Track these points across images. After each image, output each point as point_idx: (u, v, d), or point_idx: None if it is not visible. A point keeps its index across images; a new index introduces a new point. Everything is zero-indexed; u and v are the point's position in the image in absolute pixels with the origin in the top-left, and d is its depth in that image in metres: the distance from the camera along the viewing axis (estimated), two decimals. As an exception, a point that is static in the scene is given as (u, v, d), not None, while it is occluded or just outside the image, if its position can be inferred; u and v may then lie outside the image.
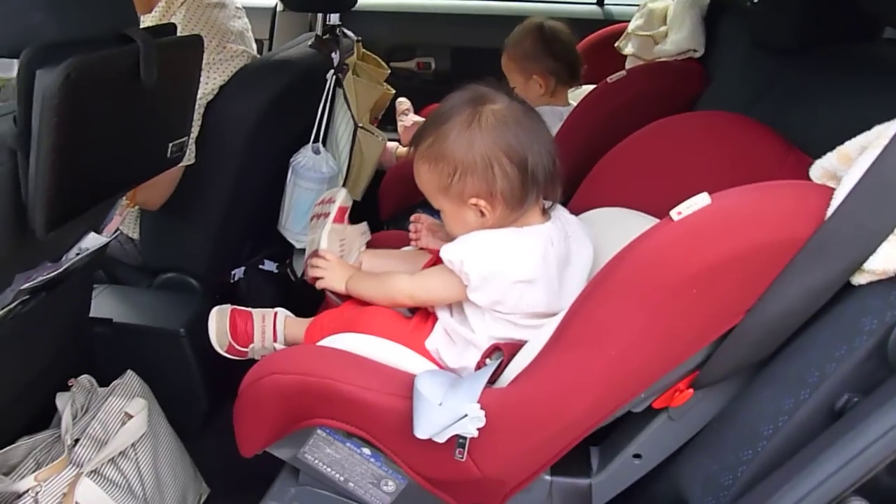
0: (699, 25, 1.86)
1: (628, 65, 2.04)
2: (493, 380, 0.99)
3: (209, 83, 1.55)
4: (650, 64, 1.85)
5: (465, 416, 0.90)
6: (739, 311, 0.85)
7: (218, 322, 1.30)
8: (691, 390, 0.93)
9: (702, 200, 0.84)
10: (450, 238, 1.10)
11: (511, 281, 1.03)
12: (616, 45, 2.10)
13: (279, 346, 1.29)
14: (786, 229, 0.82)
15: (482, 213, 1.07)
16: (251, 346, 1.29)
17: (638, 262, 0.86)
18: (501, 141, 1.04)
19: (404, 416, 0.92)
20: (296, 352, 1.05)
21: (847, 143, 0.86)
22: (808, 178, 0.94)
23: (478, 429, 0.88)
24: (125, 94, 1.03)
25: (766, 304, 0.84)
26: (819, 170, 0.88)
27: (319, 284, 1.24)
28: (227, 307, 1.32)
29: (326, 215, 1.37)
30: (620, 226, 1.18)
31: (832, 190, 0.83)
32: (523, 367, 0.95)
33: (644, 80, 1.69)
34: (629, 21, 2.14)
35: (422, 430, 0.89)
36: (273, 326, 1.29)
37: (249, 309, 1.32)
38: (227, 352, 1.31)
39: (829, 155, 0.88)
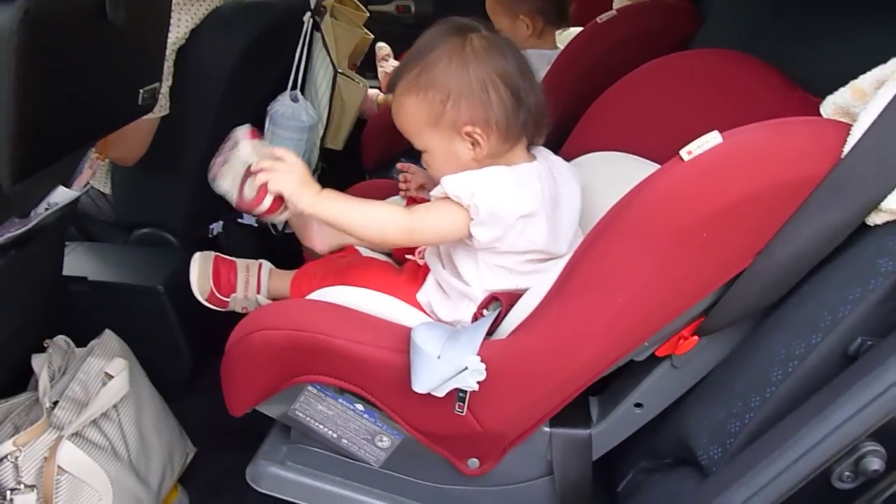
0: (689, -38, 1.79)
1: (616, 4, 1.97)
2: (491, 331, 0.95)
3: (180, 26, 1.47)
4: (640, 3, 1.78)
5: (465, 368, 0.87)
6: (751, 254, 0.82)
7: (201, 268, 1.25)
8: (696, 337, 0.90)
9: (713, 139, 0.79)
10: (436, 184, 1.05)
11: (516, 215, 0.99)
12: (603, -17, 2.03)
13: (262, 298, 1.24)
14: (801, 167, 0.79)
15: (475, 144, 1.02)
16: (233, 295, 1.24)
17: (647, 205, 0.82)
18: (496, 64, 1.01)
19: (400, 371, 0.89)
20: (285, 306, 1.01)
21: (861, 78, 0.82)
22: (812, 115, 0.91)
23: (478, 382, 0.85)
24: (90, 33, 0.96)
25: (778, 245, 0.81)
26: (831, 106, 0.84)
27: (271, 187, 1.01)
28: (211, 254, 1.26)
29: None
30: (616, 170, 1.15)
31: (849, 126, 0.79)
32: (524, 317, 0.92)
33: (635, 20, 1.63)
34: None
35: (420, 385, 0.86)
36: (258, 277, 1.24)
37: (234, 258, 1.26)
38: (207, 300, 1.26)
39: (841, 90, 0.84)
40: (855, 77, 0.85)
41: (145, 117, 1.48)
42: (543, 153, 1.11)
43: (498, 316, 0.95)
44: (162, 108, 1.51)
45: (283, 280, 1.22)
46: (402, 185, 1.31)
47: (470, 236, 0.99)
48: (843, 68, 0.89)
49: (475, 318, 0.99)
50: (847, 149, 0.78)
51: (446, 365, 0.87)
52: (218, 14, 1.51)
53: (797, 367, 0.81)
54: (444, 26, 1.05)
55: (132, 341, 1.42)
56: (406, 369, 0.88)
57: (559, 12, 1.89)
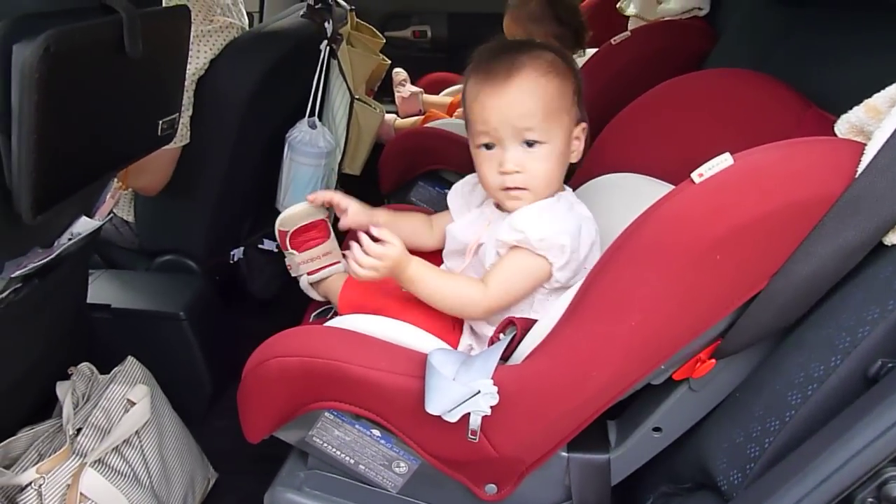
0: (703, -18, 1.79)
1: (631, 25, 1.98)
2: (507, 356, 0.95)
3: (199, 57, 1.50)
4: (655, 23, 1.79)
5: (479, 392, 0.87)
6: (766, 275, 0.81)
7: (301, 213, 1.20)
8: (713, 360, 0.89)
9: (724, 161, 0.79)
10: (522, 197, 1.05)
11: (588, 244, 1.01)
12: (618, 6, 2.04)
13: (305, 281, 1.22)
14: (815, 187, 0.78)
15: (578, 145, 1.08)
16: (295, 252, 1.20)
17: (659, 227, 0.81)
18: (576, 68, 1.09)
19: (416, 397, 0.89)
20: (300, 333, 1.01)
21: (875, 96, 0.82)
22: (827, 134, 0.90)
23: (492, 407, 0.85)
24: (110, 67, 0.98)
25: (794, 266, 0.80)
26: (845, 125, 0.83)
27: (374, 275, 1.01)
28: (322, 213, 1.22)
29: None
30: (632, 191, 1.14)
31: (863, 145, 0.78)
32: (539, 342, 0.91)
33: (649, 40, 1.64)
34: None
35: (434, 406, 0.86)
36: (324, 266, 1.21)
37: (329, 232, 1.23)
38: (278, 235, 1.22)
39: (855, 109, 0.83)
40: (870, 94, 0.84)
41: (166, 147, 1.51)
42: None
43: (513, 341, 0.95)
44: (183, 137, 1.53)
45: (335, 285, 1.20)
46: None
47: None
48: (859, 85, 0.89)
49: (491, 342, 0.99)
50: (861, 168, 0.77)
51: (460, 388, 0.87)
52: (236, 44, 1.54)
53: (816, 389, 0.79)
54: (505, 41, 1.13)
55: (154, 367, 1.44)
56: (420, 395, 0.87)
57: (576, 39, 1.90)
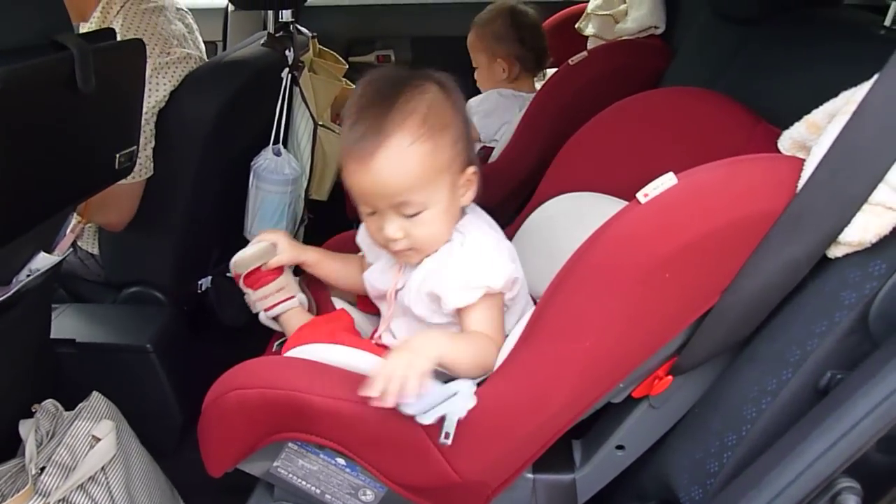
0: (659, 2, 1.83)
1: (590, 45, 2.01)
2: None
3: (159, 90, 1.50)
4: (611, 43, 1.82)
5: (456, 394, 0.85)
6: (716, 292, 0.82)
7: (256, 254, 1.19)
8: (671, 377, 0.90)
9: (668, 181, 0.80)
10: (418, 255, 1.02)
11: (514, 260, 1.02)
12: (576, 25, 2.07)
13: (264, 316, 1.21)
14: (757, 203, 0.79)
15: (468, 189, 1.03)
16: (250, 291, 1.20)
17: (607, 248, 0.82)
18: (461, 104, 1.02)
19: (375, 425, 0.88)
20: (259, 364, 1.00)
21: (815, 112, 0.83)
22: (775, 148, 0.92)
23: (452, 438, 0.84)
24: (62, 103, 0.98)
25: (742, 281, 0.81)
26: (788, 140, 0.85)
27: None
28: (272, 250, 1.19)
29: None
30: (589, 210, 1.15)
31: (802, 161, 0.80)
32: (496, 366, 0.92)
33: (605, 60, 1.66)
34: (587, 2, 2.11)
35: (410, 407, 0.83)
36: (279, 301, 1.19)
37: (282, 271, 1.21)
38: (233, 276, 1.21)
39: (797, 125, 0.85)
40: (814, 106, 0.86)
41: (130, 181, 1.51)
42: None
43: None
44: (146, 170, 1.53)
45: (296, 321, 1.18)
46: None
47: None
48: (804, 100, 0.91)
49: None
50: (801, 183, 0.79)
51: (437, 389, 0.85)
52: (196, 74, 1.54)
53: (770, 403, 0.80)
54: (398, 74, 1.00)
55: (122, 401, 1.41)
56: (381, 423, 0.87)
57: (537, 61, 1.94)
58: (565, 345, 0.84)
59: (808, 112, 0.86)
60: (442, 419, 0.84)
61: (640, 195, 0.80)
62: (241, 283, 1.20)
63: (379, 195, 0.96)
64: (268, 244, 1.19)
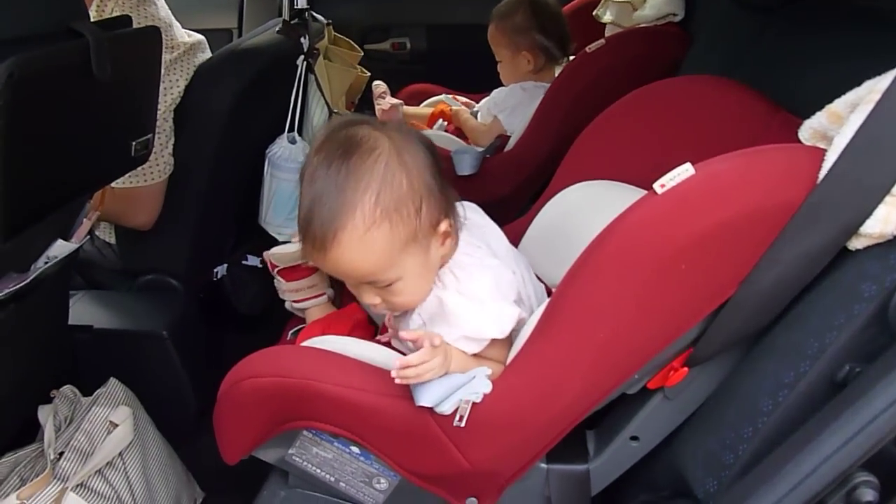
0: (678, -12, 1.80)
1: (607, 32, 1.99)
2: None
3: (173, 88, 1.50)
4: (629, 30, 1.80)
5: (474, 377, 0.85)
6: (733, 283, 0.81)
7: (293, 254, 1.18)
8: (686, 368, 0.89)
9: (685, 171, 0.79)
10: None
11: (514, 282, 1.00)
12: (594, 13, 2.05)
13: (291, 306, 1.22)
14: (776, 194, 0.78)
15: (445, 240, 0.97)
16: (282, 281, 1.20)
17: (622, 238, 0.81)
18: (422, 148, 0.95)
19: (388, 415, 0.89)
20: (274, 352, 1.01)
21: (836, 101, 0.82)
22: (795, 138, 0.91)
23: (466, 421, 0.85)
24: (78, 91, 0.98)
25: (760, 273, 0.80)
26: (808, 130, 0.84)
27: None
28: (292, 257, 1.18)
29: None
30: (606, 199, 1.14)
31: (823, 151, 0.79)
32: (511, 358, 0.91)
33: (624, 48, 1.64)
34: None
35: (426, 397, 0.83)
36: (307, 297, 1.20)
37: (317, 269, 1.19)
38: (269, 264, 1.20)
39: (818, 114, 0.83)
40: (835, 96, 0.84)
41: (154, 182, 1.52)
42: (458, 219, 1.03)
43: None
44: (169, 167, 1.54)
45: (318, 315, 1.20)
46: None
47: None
48: (826, 90, 0.89)
49: None
50: (822, 174, 0.78)
51: (452, 376, 0.85)
52: (208, 65, 1.54)
53: (787, 396, 0.80)
54: (346, 135, 0.93)
55: (139, 387, 1.43)
56: (395, 413, 0.87)
57: (561, 49, 1.91)
58: (580, 335, 0.84)
59: (829, 102, 0.85)
60: (428, 411, 0.85)
61: (656, 185, 0.79)
62: (274, 272, 1.19)
63: (342, 275, 0.96)
64: None
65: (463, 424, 0.85)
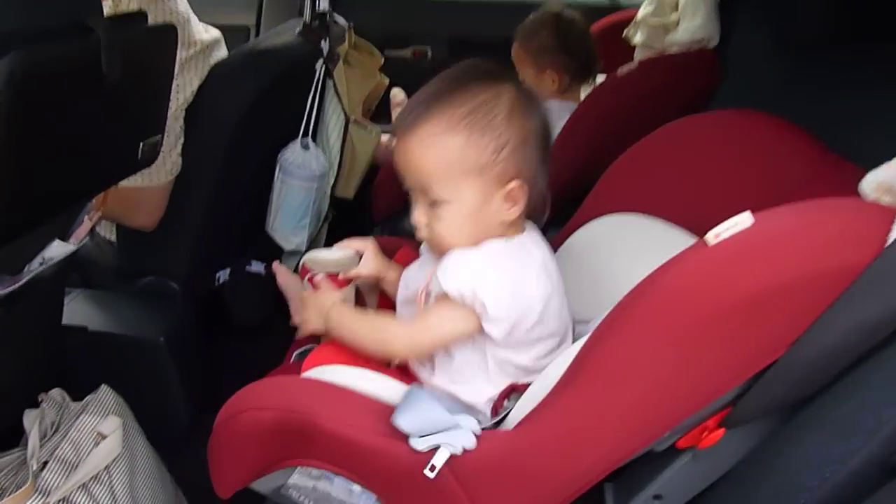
0: (714, 13, 1.74)
1: (637, 55, 1.93)
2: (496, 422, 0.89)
3: (186, 88, 1.45)
4: (662, 56, 1.74)
5: (458, 426, 0.82)
6: (782, 345, 0.75)
7: (333, 261, 1.13)
8: (722, 429, 0.82)
9: (742, 221, 0.73)
10: (439, 249, 0.96)
11: (531, 300, 0.92)
12: (624, 34, 1.99)
13: None
14: (839, 256, 0.72)
15: (513, 204, 0.95)
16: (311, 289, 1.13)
17: (668, 291, 0.75)
18: (541, 120, 0.96)
19: (396, 460, 0.82)
20: (277, 383, 0.95)
21: (909, 153, 0.75)
22: (848, 186, 0.84)
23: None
24: (86, 91, 0.92)
25: (812, 337, 0.73)
26: (873, 183, 0.77)
27: (300, 332, 1.08)
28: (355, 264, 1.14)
29: None
30: (638, 234, 1.09)
31: (894, 210, 0.72)
32: (531, 408, 0.85)
33: (656, 74, 1.58)
34: (637, 8, 2.03)
35: (405, 420, 0.81)
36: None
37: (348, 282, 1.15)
38: (301, 270, 1.15)
39: (885, 165, 0.76)
40: (893, 148, 0.78)
41: (161, 182, 1.47)
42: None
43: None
44: (177, 168, 1.49)
45: None
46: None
47: (483, 332, 0.93)
48: (879, 132, 0.83)
49: (494, 410, 0.93)
50: (892, 237, 0.71)
51: (440, 413, 0.82)
52: (224, 66, 1.49)
53: (836, 472, 0.73)
54: (482, 67, 0.97)
55: (131, 394, 1.38)
56: (402, 457, 0.81)
57: (587, 70, 1.85)
58: (612, 392, 0.77)
59: (885, 153, 0.79)
60: (434, 450, 0.81)
61: (709, 236, 0.73)
62: (304, 279, 1.12)
63: (405, 171, 0.96)
64: (353, 253, 1.12)
65: (433, 476, 0.81)
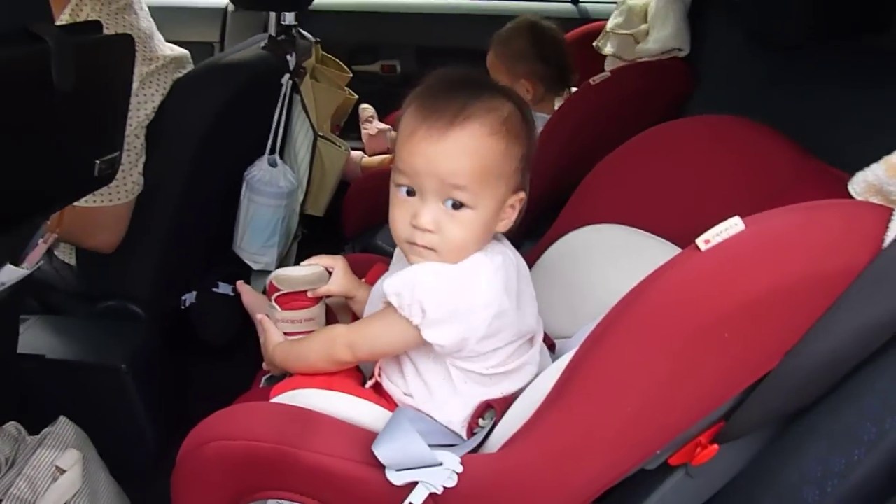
0: (684, 22, 1.73)
1: (608, 65, 1.91)
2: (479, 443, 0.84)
3: (147, 103, 1.39)
4: (635, 64, 1.72)
5: (440, 464, 0.77)
6: (778, 353, 0.72)
7: (302, 278, 1.07)
8: (715, 445, 0.79)
9: (733, 226, 0.69)
10: (444, 255, 0.91)
11: (475, 307, 0.87)
12: (594, 44, 1.97)
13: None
14: (836, 258, 0.69)
15: (511, 215, 0.94)
16: (277, 308, 1.07)
17: (660, 300, 0.71)
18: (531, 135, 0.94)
19: (375, 488, 0.77)
20: (244, 410, 0.89)
21: (897, 153, 0.73)
22: (832, 189, 0.82)
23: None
24: (34, 103, 0.86)
25: (809, 344, 0.70)
26: (862, 184, 0.75)
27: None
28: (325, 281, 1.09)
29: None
30: (621, 246, 1.05)
31: (890, 210, 0.70)
32: (517, 427, 0.80)
33: (630, 81, 1.57)
34: (606, 19, 2.02)
35: (384, 451, 0.77)
36: (302, 332, 1.07)
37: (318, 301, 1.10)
38: (268, 287, 1.09)
39: (874, 166, 0.74)
40: (871, 142, 0.76)
41: (121, 202, 1.41)
42: None
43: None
44: (138, 187, 1.43)
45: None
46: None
47: (428, 343, 0.88)
48: (856, 132, 0.81)
49: (469, 429, 0.88)
50: (890, 237, 0.68)
51: (421, 448, 0.78)
52: (188, 78, 1.44)
53: (837, 486, 0.70)
54: (485, 78, 0.98)
55: (92, 424, 1.31)
56: (381, 486, 0.76)
57: (561, 79, 1.83)
58: (602, 408, 0.73)
59: (864, 151, 0.77)
60: (412, 486, 0.77)
61: (700, 241, 0.70)
62: (272, 299, 1.07)
63: (435, 172, 0.88)
64: (322, 270, 1.07)
65: None
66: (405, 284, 0.87)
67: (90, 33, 0.99)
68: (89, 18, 1.39)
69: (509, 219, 0.94)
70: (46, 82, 0.85)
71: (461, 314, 0.86)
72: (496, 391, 0.90)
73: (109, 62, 1.02)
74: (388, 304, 0.89)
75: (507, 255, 0.93)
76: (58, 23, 1.40)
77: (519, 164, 0.91)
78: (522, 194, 0.93)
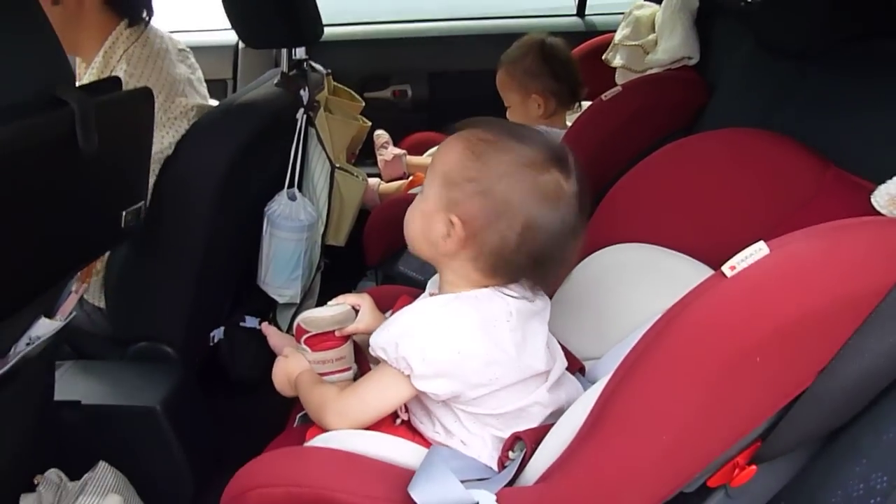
0: (691, 30, 1.74)
1: (618, 77, 1.92)
2: (514, 476, 0.84)
3: (163, 141, 1.41)
4: (646, 77, 1.73)
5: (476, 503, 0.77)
6: (811, 374, 0.71)
7: (328, 319, 1.07)
8: (754, 466, 0.78)
9: (758, 251, 0.69)
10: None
11: (467, 356, 0.87)
12: (603, 57, 1.98)
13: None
14: (864, 278, 0.69)
15: (448, 235, 0.92)
16: (308, 350, 1.07)
17: (688, 329, 0.71)
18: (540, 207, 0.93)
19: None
20: (283, 456, 0.90)
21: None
22: (856, 199, 0.82)
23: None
24: (62, 165, 0.89)
25: (842, 364, 0.70)
26: (885, 196, 0.75)
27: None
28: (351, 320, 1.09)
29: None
30: (647, 266, 1.05)
31: (917, 226, 0.70)
32: (552, 460, 0.80)
33: (642, 95, 1.56)
34: (613, 31, 2.02)
35: (419, 494, 0.76)
36: (332, 371, 1.08)
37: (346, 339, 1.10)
38: (296, 330, 1.10)
39: (896, 179, 0.74)
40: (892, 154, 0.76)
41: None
42: None
43: (523, 457, 0.84)
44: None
45: None
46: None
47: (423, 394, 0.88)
48: (878, 141, 0.80)
49: (500, 463, 0.88)
50: (917, 253, 0.68)
51: (457, 488, 0.78)
52: (206, 121, 1.46)
53: (880, 504, 0.69)
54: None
55: (130, 466, 1.33)
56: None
57: (572, 94, 1.85)
58: (638, 440, 0.73)
59: (884, 159, 0.76)
60: None
61: (725, 268, 0.70)
62: (300, 341, 1.07)
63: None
64: (348, 309, 1.07)
65: None
66: (388, 342, 0.88)
67: (110, 90, 1.01)
68: (121, 61, 1.43)
69: (451, 243, 0.91)
70: (72, 143, 0.87)
71: (449, 370, 0.87)
72: (508, 431, 0.90)
73: (130, 116, 1.04)
74: (378, 362, 0.90)
75: (498, 304, 0.91)
76: (94, 63, 1.45)
77: (468, 181, 0.89)
78: (455, 217, 0.90)
